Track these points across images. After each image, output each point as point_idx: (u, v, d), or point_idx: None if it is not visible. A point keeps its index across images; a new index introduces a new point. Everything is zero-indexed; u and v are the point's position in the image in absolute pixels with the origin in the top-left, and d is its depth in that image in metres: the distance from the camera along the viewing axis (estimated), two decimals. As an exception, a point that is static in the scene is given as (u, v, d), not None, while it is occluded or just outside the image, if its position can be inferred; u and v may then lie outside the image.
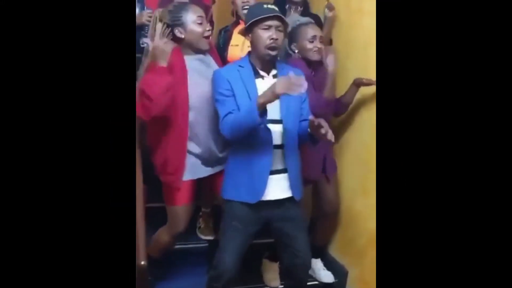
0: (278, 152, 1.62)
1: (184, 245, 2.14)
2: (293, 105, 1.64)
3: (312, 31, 1.96)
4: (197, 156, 1.80)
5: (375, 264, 1.73)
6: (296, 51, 1.99)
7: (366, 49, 2.05)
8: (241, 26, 2.31)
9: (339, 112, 2.15)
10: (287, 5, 2.33)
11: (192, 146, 1.78)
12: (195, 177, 1.82)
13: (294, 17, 2.10)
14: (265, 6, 1.59)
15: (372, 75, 1.97)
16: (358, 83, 2.03)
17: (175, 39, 1.73)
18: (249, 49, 1.72)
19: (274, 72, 1.66)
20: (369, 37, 2.02)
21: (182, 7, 1.74)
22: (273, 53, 1.58)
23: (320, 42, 1.96)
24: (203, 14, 1.73)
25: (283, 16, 1.57)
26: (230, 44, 2.32)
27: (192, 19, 1.71)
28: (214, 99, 1.62)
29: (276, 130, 1.60)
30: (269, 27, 1.56)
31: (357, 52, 2.12)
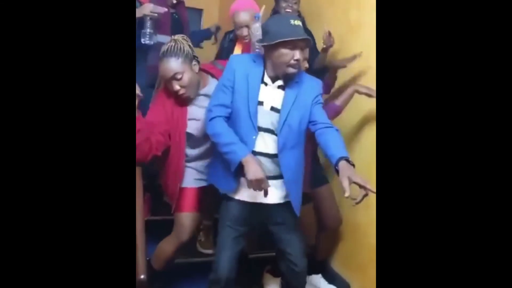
0: (273, 160, 1.62)
1: (185, 260, 2.13)
2: (295, 121, 1.61)
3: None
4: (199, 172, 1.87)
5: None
6: None
7: (366, 61, 2.05)
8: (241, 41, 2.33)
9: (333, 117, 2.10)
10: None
11: (194, 165, 1.86)
12: (199, 185, 1.88)
13: None
14: (292, 22, 1.51)
15: (372, 87, 1.97)
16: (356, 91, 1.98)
17: None
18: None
19: (279, 82, 1.60)
20: (368, 49, 2.03)
21: (161, 58, 1.73)
22: (293, 71, 1.54)
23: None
24: (168, 74, 1.68)
25: (310, 39, 1.52)
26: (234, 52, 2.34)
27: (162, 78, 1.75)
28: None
29: (271, 140, 1.60)
30: (295, 47, 1.50)
31: (357, 64, 2.13)
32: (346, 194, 1.28)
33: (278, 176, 1.64)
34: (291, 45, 1.49)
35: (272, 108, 1.59)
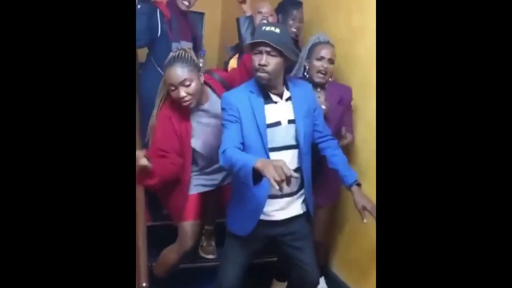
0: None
1: (188, 265, 2.12)
2: (308, 129, 1.62)
3: (323, 51, 1.96)
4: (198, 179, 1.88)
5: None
6: (307, 67, 2.00)
7: (368, 65, 2.05)
8: None
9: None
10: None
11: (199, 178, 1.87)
12: (198, 191, 1.87)
13: (315, 36, 2.09)
14: (263, 28, 1.54)
15: (373, 92, 1.97)
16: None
17: None
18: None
19: (287, 95, 1.61)
20: (371, 53, 2.03)
21: (167, 65, 1.69)
22: (262, 76, 1.52)
23: (330, 63, 1.96)
24: (176, 80, 1.65)
25: (269, 42, 1.48)
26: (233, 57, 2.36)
27: (168, 84, 1.69)
28: (222, 124, 1.60)
29: (290, 155, 1.58)
30: (260, 52, 1.51)
31: (359, 68, 2.13)
32: (365, 221, 1.57)
33: (296, 191, 1.65)
34: (256, 50, 1.52)
35: (290, 121, 1.59)
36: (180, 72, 1.64)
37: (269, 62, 1.51)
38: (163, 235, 1.95)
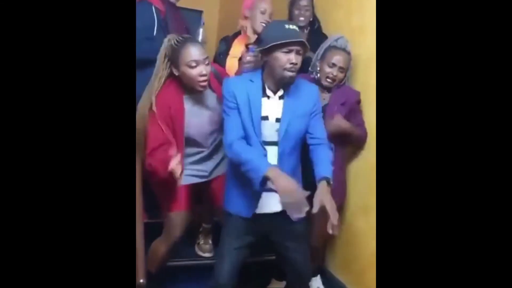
0: None
1: (185, 262, 2.11)
2: (294, 130, 1.61)
3: (336, 57, 1.96)
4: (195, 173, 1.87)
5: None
6: (318, 69, 2.00)
7: (368, 65, 2.05)
8: (242, 37, 2.32)
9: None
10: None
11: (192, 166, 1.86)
12: (192, 182, 1.87)
13: (335, 36, 2.08)
14: (286, 26, 1.53)
15: (373, 92, 1.97)
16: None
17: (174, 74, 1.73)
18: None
19: (281, 92, 1.61)
20: (370, 53, 2.03)
21: (183, 44, 1.68)
22: (291, 74, 1.53)
23: (340, 72, 1.96)
24: (200, 57, 1.65)
25: (305, 42, 1.52)
26: (229, 55, 2.33)
27: (184, 61, 1.66)
28: (222, 109, 1.64)
29: (273, 152, 1.60)
30: (290, 50, 1.51)
31: (359, 68, 2.13)
32: (314, 211, 1.40)
33: None
34: (286, 48, 1.51)
35: (277, 120, 1.60)
36: (201, 50, 1.67)
37: (298, 60, 1.53)
38: (158, 232, 1.93)
